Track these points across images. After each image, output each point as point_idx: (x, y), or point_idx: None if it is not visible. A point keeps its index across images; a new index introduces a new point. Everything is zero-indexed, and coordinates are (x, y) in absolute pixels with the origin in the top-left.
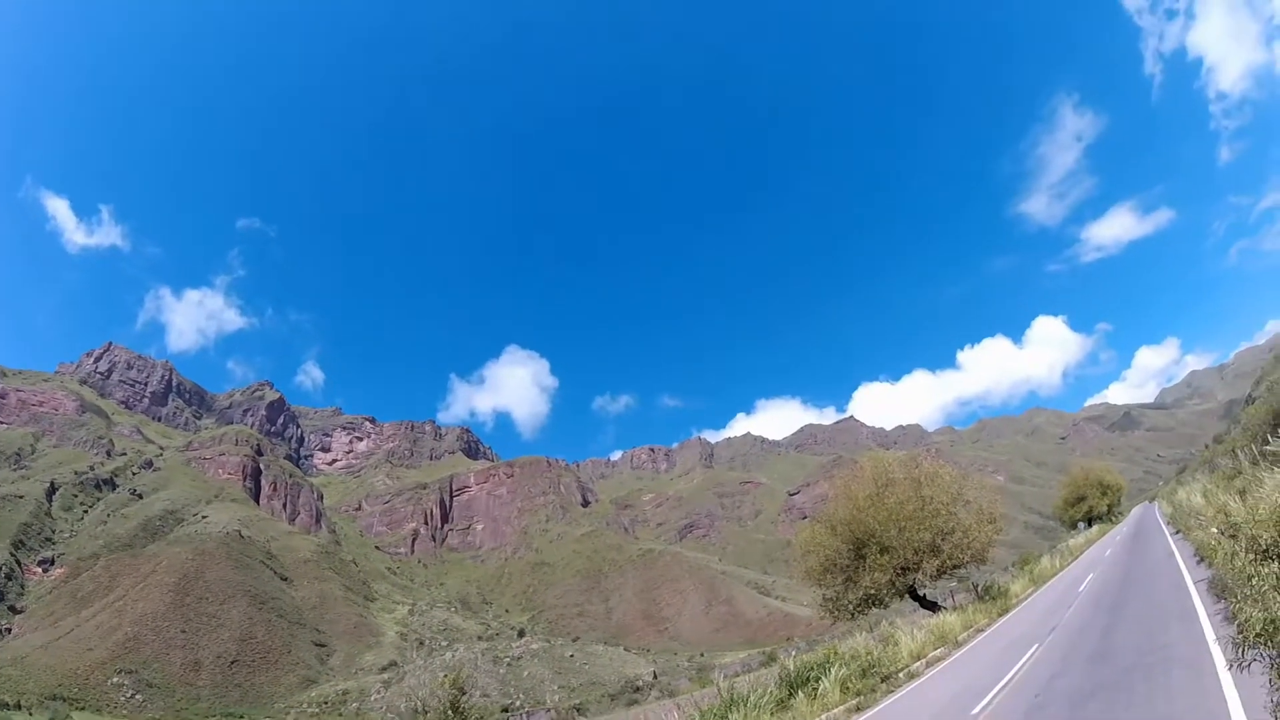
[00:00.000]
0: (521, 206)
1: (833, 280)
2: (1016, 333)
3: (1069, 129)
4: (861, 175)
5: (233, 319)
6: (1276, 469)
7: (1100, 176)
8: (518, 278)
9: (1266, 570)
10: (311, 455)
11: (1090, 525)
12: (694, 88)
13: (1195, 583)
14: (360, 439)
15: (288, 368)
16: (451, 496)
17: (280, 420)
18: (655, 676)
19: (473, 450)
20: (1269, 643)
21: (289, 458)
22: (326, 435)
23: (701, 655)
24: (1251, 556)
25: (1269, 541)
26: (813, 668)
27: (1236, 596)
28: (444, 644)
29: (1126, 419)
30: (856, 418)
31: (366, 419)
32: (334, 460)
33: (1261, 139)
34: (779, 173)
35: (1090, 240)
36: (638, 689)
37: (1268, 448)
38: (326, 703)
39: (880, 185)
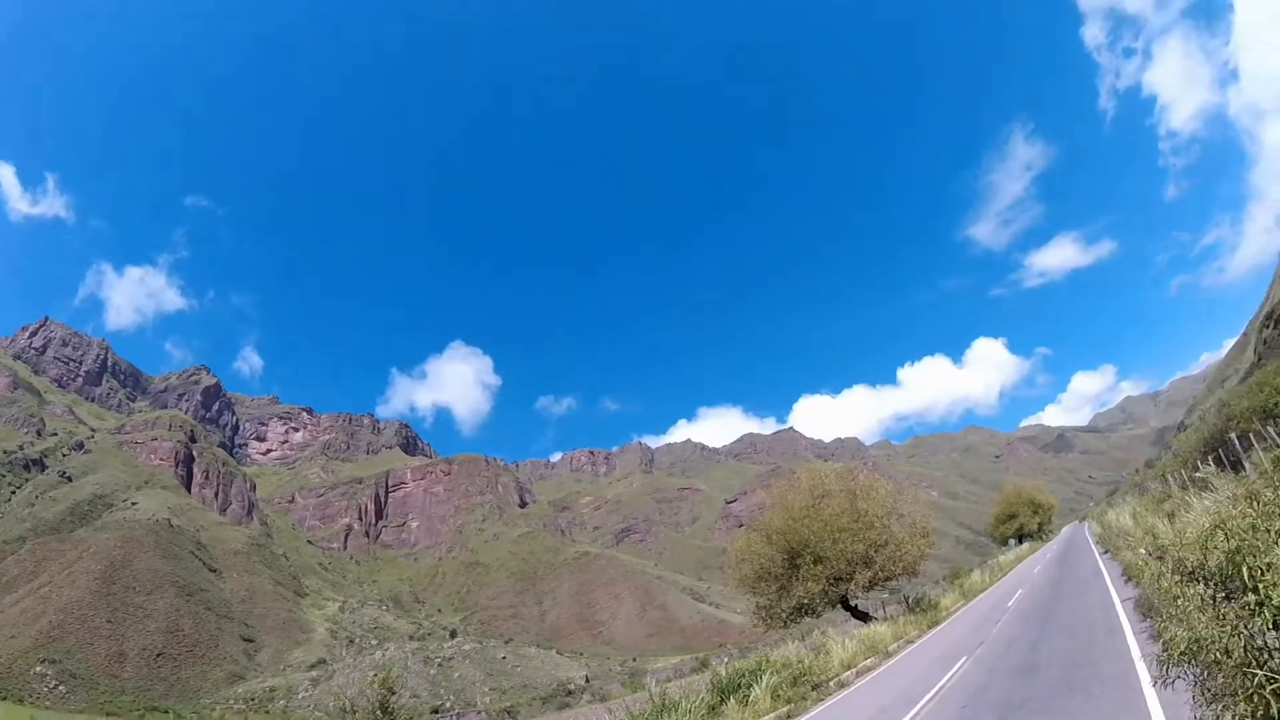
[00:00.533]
0: (472, 204)
1: (781, 295)
2: (956, 352)
3: (1020, 158)
4: (815, 196)
5: (173, 299)
6: (1205, 495)
7: (1047, 205)
8: (466, 274)
9: (1192, 591)
10: (246, 444)
11: (1021, 542)
12: (660, 94)
13: (1122, 601)
14: (296, 430)
15: (226, 353)
16: (387, 492)
17: (215, 406)
18: (588, 680)
19: (411, 446)
20: (1193, 661)
21: (223, 445)
22: (262, 424)
23: (634, 660)
24: (1178, 578)
25: (1195, 564)
26: (744, 675)
27: (1162, 616)
28: (374, 643)
29: (1060, 441)
30: (796, 429)
31: (304, 409)
32: (269, 450)
33: (1207, 178)
34: (734, 190)
35: (1034, 266)
36: (570, 692)
37: (1198, 474)
38: (253, 699)
39: (834, 206)
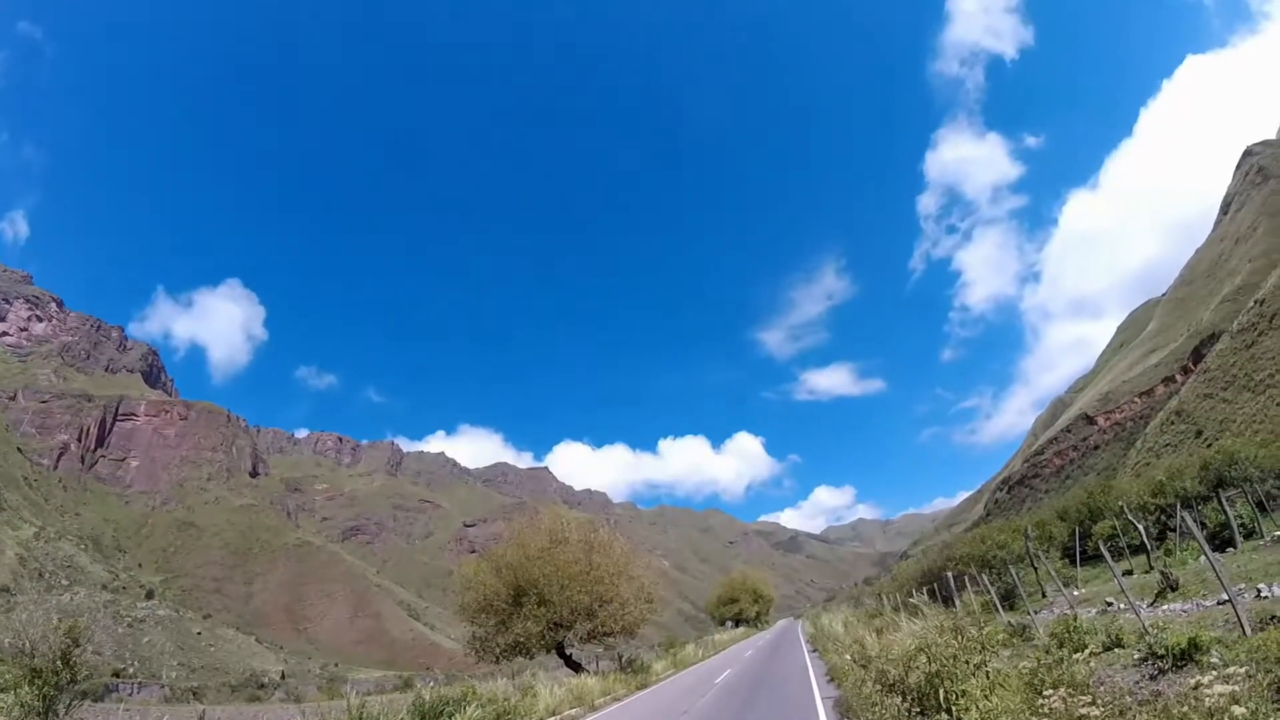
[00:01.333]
0: (297, 144)
1: (568, 339)
2: (717, 439)
3: (824, 285)
4: (628, 257)
5: None
6: (916, 620)
7: (835, 334)
8: (267, 212)
9: (890, 702)
10: None
11: (738, 626)
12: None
13: (823, 698)
14: (42, 320)
15: None
16: (115, 419)
17: None
18: (284, 676)
19: (154, 376)
20: None
21: None
22: (7, 302)
23: (336, 665)
24: (879, 687)
25: (896, 678)
26: (449, 703)
27: (859, 717)
28: (65, 583)
29: (792, 542)
30: (551, 470)
31: (54, 299)
32: (4, 333)
33: (982, 353)
34: (545, 213)
35: (807, 383)
36: (262, 686)
37: (911, 600)
38: None
39: (639, 279)
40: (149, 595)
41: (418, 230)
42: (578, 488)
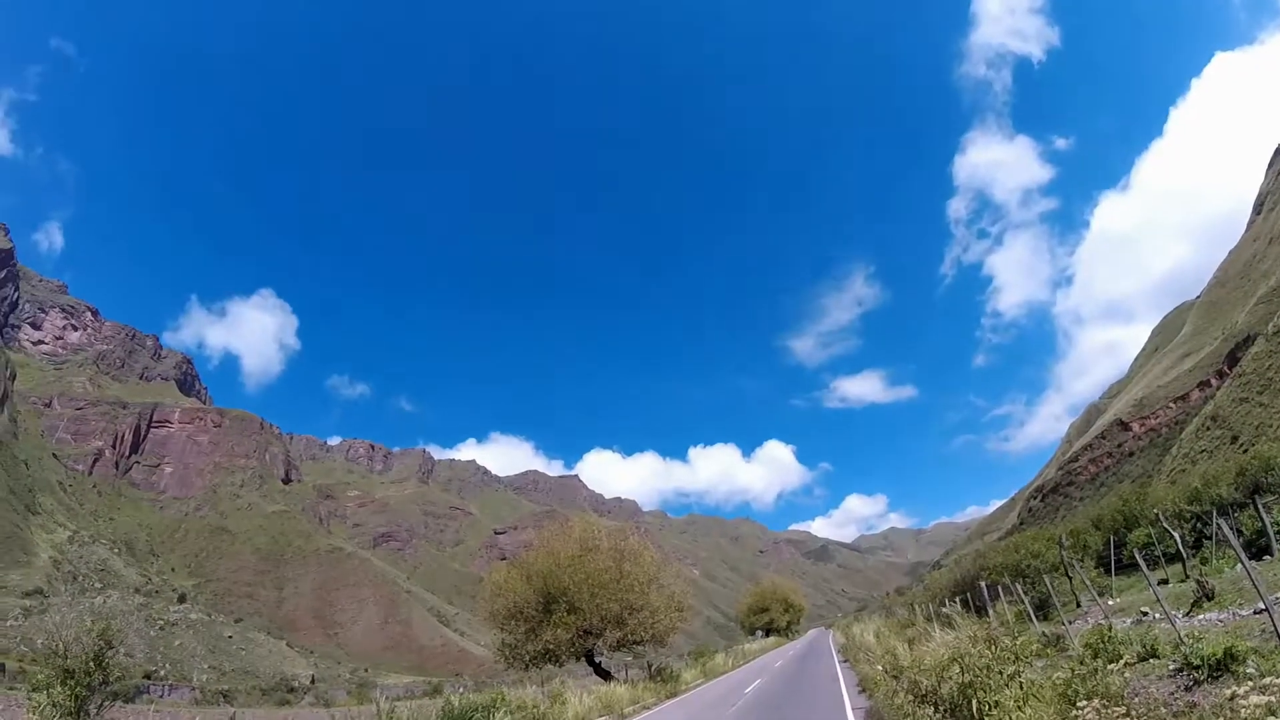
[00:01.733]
0: (323, 158)
1: (601, 349)
2: (748, 447)
3: (854, 292)
4: (648, 273)
5: (1, 142)
6: (948, 630)
7: (865, 341)
8: (301, 222)
9: (922, 712)
10: (20, 327)
11: (768, 635)
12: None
13: (854, 709)
14: (77, 329)
15: (30, 218)
16: (149, 426)
17: (2, 274)
18: (313, 681)
19: (188, 384)
20: None
21: None
22: (43, 311)
23: (366, 670)
24: (911, 698)
25: (928, 688)
26: (478, 709)
27: None
28: (98, 586)
29: (823, 551)
30: (581, 478)
31: (90, 308)
32: (40, 341)
33: (1014, 359)
34: (565, 240)
35: (837, 391)
36: (292, 690)
37: (944, 610)
38: None
39: (673, 289)
40: (181, 599)
41: (449, 241)
42: (607, 496)
